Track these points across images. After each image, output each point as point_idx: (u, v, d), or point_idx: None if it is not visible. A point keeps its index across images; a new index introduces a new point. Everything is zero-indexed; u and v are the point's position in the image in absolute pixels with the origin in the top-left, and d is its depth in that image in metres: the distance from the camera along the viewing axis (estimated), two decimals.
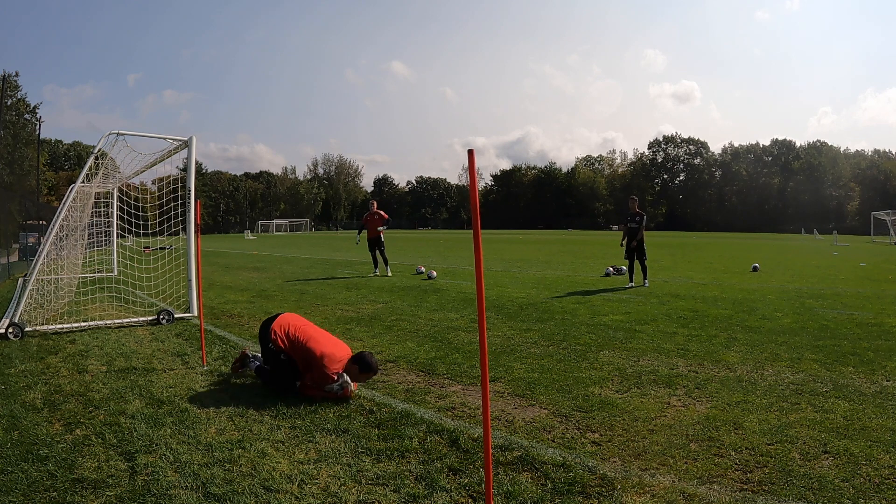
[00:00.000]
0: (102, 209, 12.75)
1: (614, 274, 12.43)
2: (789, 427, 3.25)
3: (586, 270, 13.89)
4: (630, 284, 10.13)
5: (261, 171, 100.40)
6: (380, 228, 12.67)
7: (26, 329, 6.03)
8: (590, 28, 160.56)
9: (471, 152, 2.06)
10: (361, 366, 3.94)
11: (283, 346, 4.00)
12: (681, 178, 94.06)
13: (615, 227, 77.20)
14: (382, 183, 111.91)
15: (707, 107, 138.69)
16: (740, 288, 10.04)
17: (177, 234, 8.11)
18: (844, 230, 59.90)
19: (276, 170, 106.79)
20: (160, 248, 9.75)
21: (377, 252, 12.73)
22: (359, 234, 12.98)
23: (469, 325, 6.56)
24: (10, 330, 5.88)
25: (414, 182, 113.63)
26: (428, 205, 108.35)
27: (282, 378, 4.01)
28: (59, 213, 7.17)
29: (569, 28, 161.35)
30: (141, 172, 9.23)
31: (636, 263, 10.31)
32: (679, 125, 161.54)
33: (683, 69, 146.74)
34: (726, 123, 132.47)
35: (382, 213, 12.91)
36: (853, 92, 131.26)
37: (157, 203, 8.58)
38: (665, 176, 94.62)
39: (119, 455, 2.93)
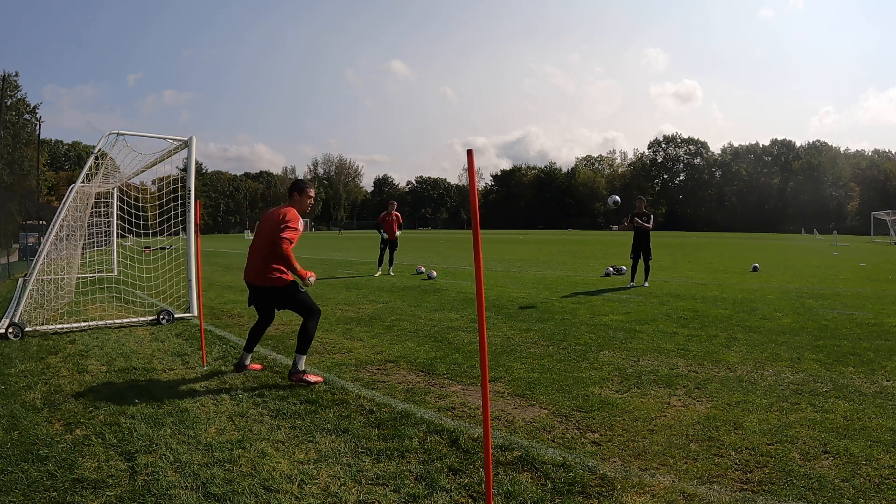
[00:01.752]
0: (102, 209, 12.76)
1: (614, 274, 12.43)
2: (789, 427, 3.25)
3: (586, 270, 13.89)
4: (631, 284, 10.12)
5: (261, 171, 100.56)
6: (398, 233, 12.86)
7: (26, 329, 6.03)
8: (590, 27, 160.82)
9: (470, 152, 2.06)
10: (296, 190, 4.43)
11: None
12: (681, 178, 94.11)
13: (615, 228, 77.07)
14: (382, 183, 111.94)
15: (709, 106, 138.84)
16: (740, 288, 10.04)
17: (177, 234, 8.11)
18: (844, 230, 59.89)
19: (276, 170, 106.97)
20: (160, 249, 9.75)
21: (389, 251, 12.88)
22: (380, 231, 13.13)
23: (469, 325, 6.56)
24: (10, 330, 5.87)
25: (414, 182, 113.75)
26: (428, 205, 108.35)
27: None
28: (59, 213, 7.17)
29: (569, 27, 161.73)
30: (141, 172, 9.23)
31: (640, 264, 10.30)
32: (680, 125, 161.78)
33: (685, 68, 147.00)
34: (728, 123, 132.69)
35: (399, 216, 13.13)
36: (855, 91, 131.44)
37: (157, 203, 8.59)
38: (665, 176, 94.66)
39: (119, 455, 2.93)
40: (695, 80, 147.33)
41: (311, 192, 4.51)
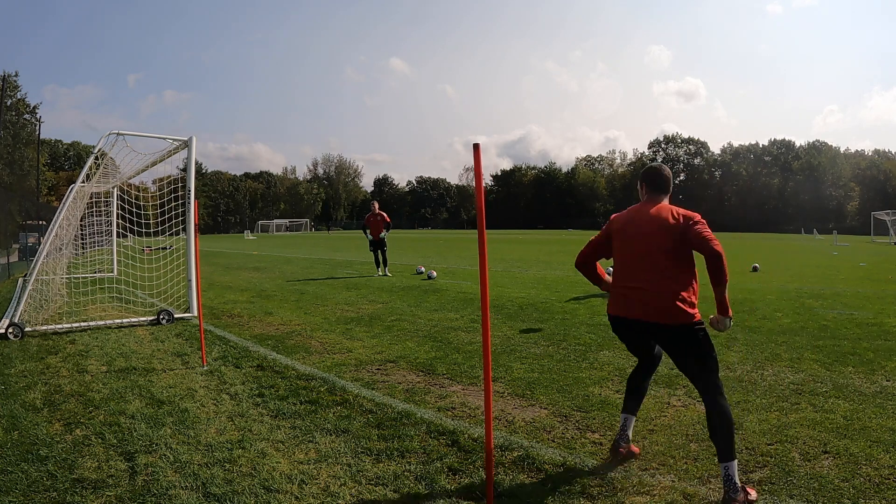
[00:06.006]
0: (103, 209, 12.77)
1: None
2: (789, 427, 3.25)
3: None
4: None
5: (261, 171, 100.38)
6: (382, 235, 12.85)
7: (26, 329, 6.03)
8: (592, 24, 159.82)
9: (476, 146, 2.07)
10: (665, 191, 2.95)
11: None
12: (681, 178, 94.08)
13: None
14: (382, 183, 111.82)
15: (712, 105, 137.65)
16: (740, 288, 10.03)
17: (177, 234, 8.12)
18: (844, 230, 59.83)
19: (276, 170, 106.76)
20: (161, 249, 9.76)
21: (379, 252, 12.88)
22: (365, 233, 13.13)
23: (469, 325, 6.56)
24: (10, 330, 5.88)
25: (414, 182, 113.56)
26: (428, 205, 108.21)
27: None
28: (59, 213, 7.17)
29: (571, 24, 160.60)
30: (141, 172, 9.24)
31: None
32: (683, 124, 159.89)
33: (688, 66, 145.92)
34: (732, 122, 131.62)
35: (385, 215, 13.08)
36: (859, 90, 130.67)
37: (157, 203, 8.59)
38: None
39: (119, 455, 2.93)
40: (698, 78, 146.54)
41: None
